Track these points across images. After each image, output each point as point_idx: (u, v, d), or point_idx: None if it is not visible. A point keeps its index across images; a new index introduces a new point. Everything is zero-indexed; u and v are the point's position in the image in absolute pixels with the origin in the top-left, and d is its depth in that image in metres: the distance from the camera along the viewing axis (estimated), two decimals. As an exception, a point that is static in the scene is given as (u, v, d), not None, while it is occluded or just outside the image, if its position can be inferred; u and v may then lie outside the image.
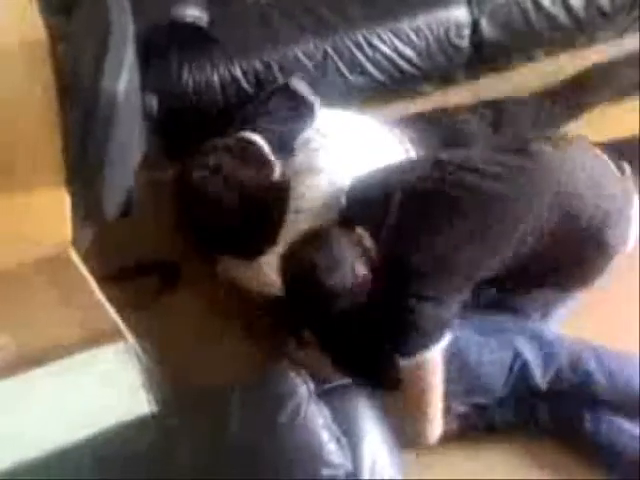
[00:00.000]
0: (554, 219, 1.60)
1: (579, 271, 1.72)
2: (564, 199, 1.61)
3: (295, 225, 1.77)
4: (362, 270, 1.56)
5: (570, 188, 1.62)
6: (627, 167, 1.73)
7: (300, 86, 2.02)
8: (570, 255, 1.67)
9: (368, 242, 1.59)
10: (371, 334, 1.63)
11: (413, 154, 1.93)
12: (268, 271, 1.77)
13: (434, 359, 1.61)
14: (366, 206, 1.67)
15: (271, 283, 1.76)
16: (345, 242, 1.58)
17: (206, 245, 1.91)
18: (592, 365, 1.77)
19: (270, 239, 1.79)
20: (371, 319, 1.61)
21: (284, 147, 1.88)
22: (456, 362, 1.71)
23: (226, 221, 1.79)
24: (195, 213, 1.83)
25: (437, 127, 2.08)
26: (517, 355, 1.76)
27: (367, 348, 1.65)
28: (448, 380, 1.66)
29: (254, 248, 1.81)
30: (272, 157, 1.84)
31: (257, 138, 1.86)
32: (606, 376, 1.77)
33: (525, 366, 1.76)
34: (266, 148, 1.84)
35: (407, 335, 1.59)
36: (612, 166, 1.70)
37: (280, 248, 1.76)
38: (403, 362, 1.61)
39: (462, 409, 1.76)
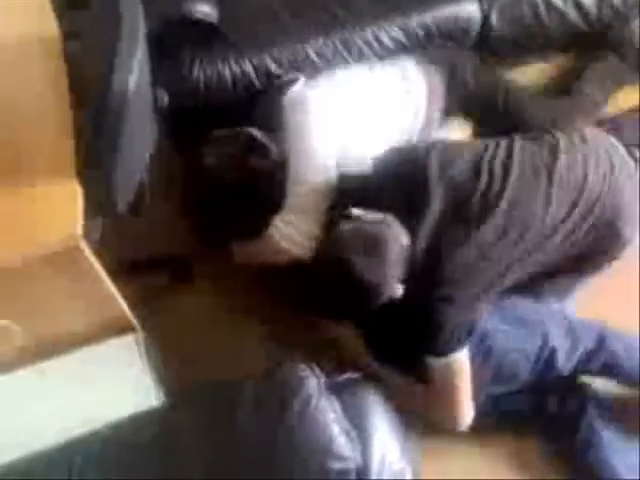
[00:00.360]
0: (578, 212, 1.64)
1: (597, 258, 1.75)
2: (584, 191, 1.64)
3: (295, 194, 1.79)
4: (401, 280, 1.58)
5: (590, 181, 1.65)
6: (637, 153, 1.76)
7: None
8: (588, 244, 1.70)
9: (405, 240, 1.58)
10: (402, 328, 1.64)
11: (415, 90, 1.98)
12: (277, 238, 1.78)
13: (461, 359, 1.64)
14: (403, 192, 1.65)
15: (284, 250, 1.77)
16: (396, 252, 1.56)
17: (217, 233, 1.92)
18: (618, 346, 1.79)
19: (274, 211, 1.81)
20: (401, 314, 1.62)
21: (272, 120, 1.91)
22: (481, 353, 1.72)
23: (234, 199, 1.83)
24: (202, 196, 1.87)
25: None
26: (545, 343, 1.76)
27: (400, 339, 1.67)
28: (472, 371, 1.68)
29: (261, 223, 1.82)
30: (265, 140, 1.88)
31: (252, 130, 1.90)
32: (630, 356, 1.79)
33: (553, 354, 1.76)
34: (259, 135, 1.88)
35: (435, 335, 1.61)
36: (627, 157, 1.72)
37: (284, 215, 1.79)
38: (432, 361, 1.64)
39: (481, 398, 1.76)
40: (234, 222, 1.86)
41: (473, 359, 1.67)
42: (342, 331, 1.83)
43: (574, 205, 1.64)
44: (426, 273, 1.59)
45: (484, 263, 1.59)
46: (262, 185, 1.83)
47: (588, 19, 2.35)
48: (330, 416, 1.47)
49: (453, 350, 1.62)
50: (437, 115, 2.03)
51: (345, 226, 1.61)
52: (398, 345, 1.68)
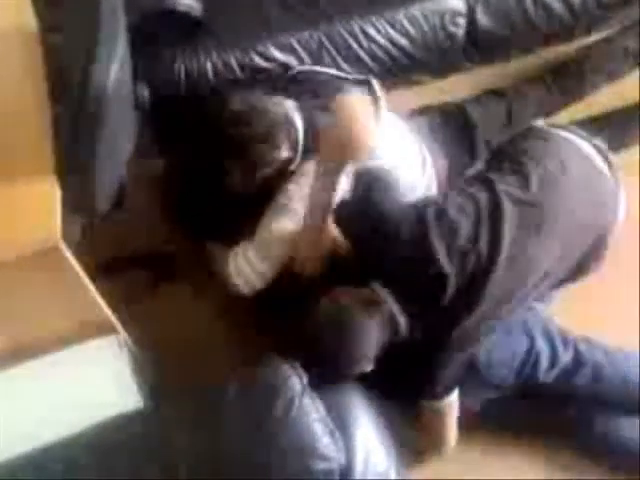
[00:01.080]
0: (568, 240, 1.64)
1: (585, 266, 1.74)
2: (572, 222, 1.63)
3: (266, 232, 1.74)
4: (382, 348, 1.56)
5: (576, 212, 1.64)
6: (612, 157, 1.75)
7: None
8: (577, 257, 1.69)
9: (401, 320, 1.54)
10: (397, 371, 1.63)
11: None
12: (231, 269, 1.75)
13: (452, 400, 1.68)
14: (415, 281, 1.57)
15: (232, 283, 1.76)
16: (376, 334, 1.53)
17: (198, 225, 1.89)
18: (602, 359, 1.80)
19: (252, 225, 1.76)
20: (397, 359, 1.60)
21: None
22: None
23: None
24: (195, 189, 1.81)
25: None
26: (532, 347, 1.77)
27: (394, 380, 1.66)
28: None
29: (238, 230, 1.79)
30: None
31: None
32: (614, 373, 1.79)
33: (538, 359, 1.76)
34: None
35: (431, 386, 1.64)
36: (600, 163, 1.70)
37: (247, 249, 1.75)
38: (425, 403, 1.68)
39: (477, 407, 1.78)
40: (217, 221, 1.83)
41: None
42: None
43: (565, 236, 1.63)
44: (427, 341, 1.58)
45: (484, 325, 1.60)
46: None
47: (573, 11, 2.35)
48: (313, 416, 1.46)
49: (447, 395, 1.65)
50: None
51: (328, 309, 1.57)
52: (392, 383, 1.67)
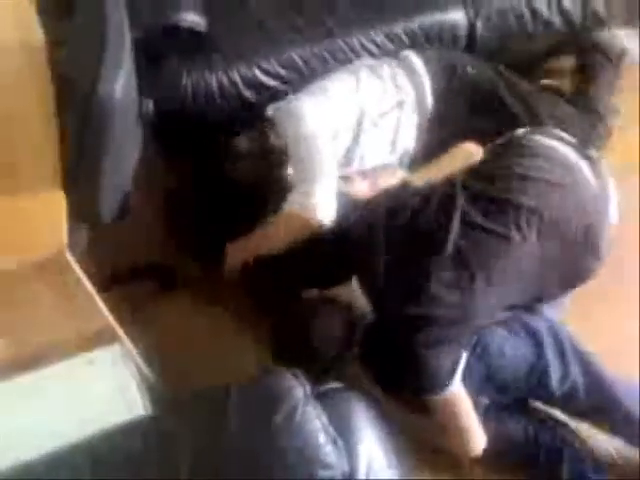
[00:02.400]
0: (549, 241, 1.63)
1: (581, 271, 1.73)
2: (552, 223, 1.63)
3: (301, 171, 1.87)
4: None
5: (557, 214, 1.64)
6: (594, 152, 1.78)
7: None
8: (568, 263, 1.69)
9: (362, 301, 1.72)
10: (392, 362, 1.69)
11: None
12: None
13: (455, 392, 1.65)
14: (364, 250, 1.71)
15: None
16: (338, 322, 1.77)
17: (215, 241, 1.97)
18: (617, 386, 1.76)
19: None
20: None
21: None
22: (476, 352, 1.73)
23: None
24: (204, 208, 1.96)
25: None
26: (540, 357, 1.75)
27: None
28: (469, 368, 1.68)
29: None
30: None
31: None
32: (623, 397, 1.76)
33: (546, 369, 1.75)
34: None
35: (421, 379, 1.64)
36: (581, 163, 1.69)
37: (299, 189, 1.85)
38: (427, 398, 1.66)
39: (486, 401, 1.76)
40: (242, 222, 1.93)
41: (468, 357, 1.67)
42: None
43: (544, 236, 1.63)
44: (399, 323, 1.65)
45: (444, 320, 1.61)
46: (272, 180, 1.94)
47: (572, 26, 2.37)
48: (316, 425, 1.46)
49: (444, 387, 1.63)
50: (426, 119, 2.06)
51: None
52: (393, 375, 1.70)
